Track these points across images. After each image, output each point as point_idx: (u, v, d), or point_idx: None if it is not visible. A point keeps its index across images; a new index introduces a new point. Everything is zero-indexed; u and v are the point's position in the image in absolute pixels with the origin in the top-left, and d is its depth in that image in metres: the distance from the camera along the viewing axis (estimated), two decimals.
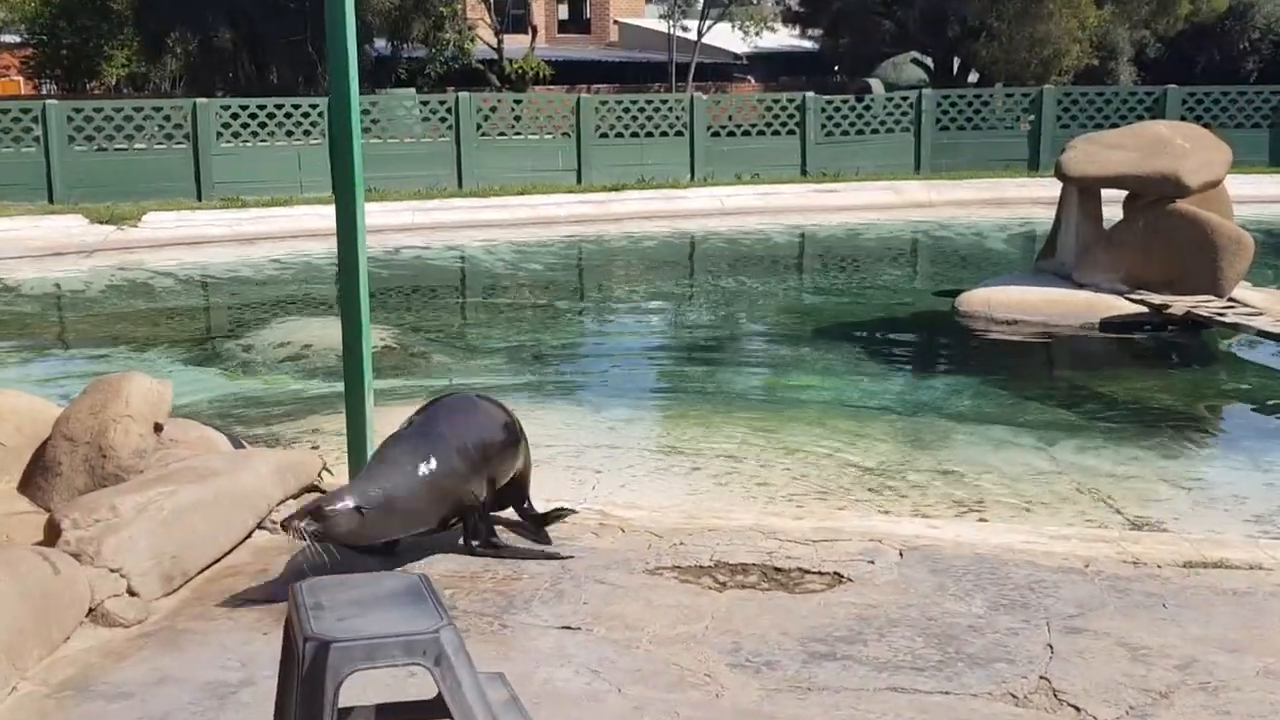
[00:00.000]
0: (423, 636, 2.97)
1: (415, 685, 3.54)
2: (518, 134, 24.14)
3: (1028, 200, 22.44)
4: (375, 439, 6.03)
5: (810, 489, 7.43)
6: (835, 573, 5.06)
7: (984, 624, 4.53)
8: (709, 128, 25.08)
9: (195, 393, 9.90)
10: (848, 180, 24.51)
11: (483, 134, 23.48)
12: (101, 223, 18.11)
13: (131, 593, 4.55)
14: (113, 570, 4.54)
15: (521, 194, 22.36)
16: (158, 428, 5.60)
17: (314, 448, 8.36)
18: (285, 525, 4.53)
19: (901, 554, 5.26)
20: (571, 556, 5.13)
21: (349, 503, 4.61)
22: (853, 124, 25.71)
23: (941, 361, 12.29)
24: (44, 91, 35.76)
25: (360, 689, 3.77)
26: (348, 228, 5.89)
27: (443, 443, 4.99)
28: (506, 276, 17.17)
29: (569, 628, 4.51)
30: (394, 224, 20.23)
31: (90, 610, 4.42)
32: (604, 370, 11.44)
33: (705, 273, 17.92)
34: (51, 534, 4.74)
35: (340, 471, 6.26)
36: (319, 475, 6.04)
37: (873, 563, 5.16)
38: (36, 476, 5.54)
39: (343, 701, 3.49)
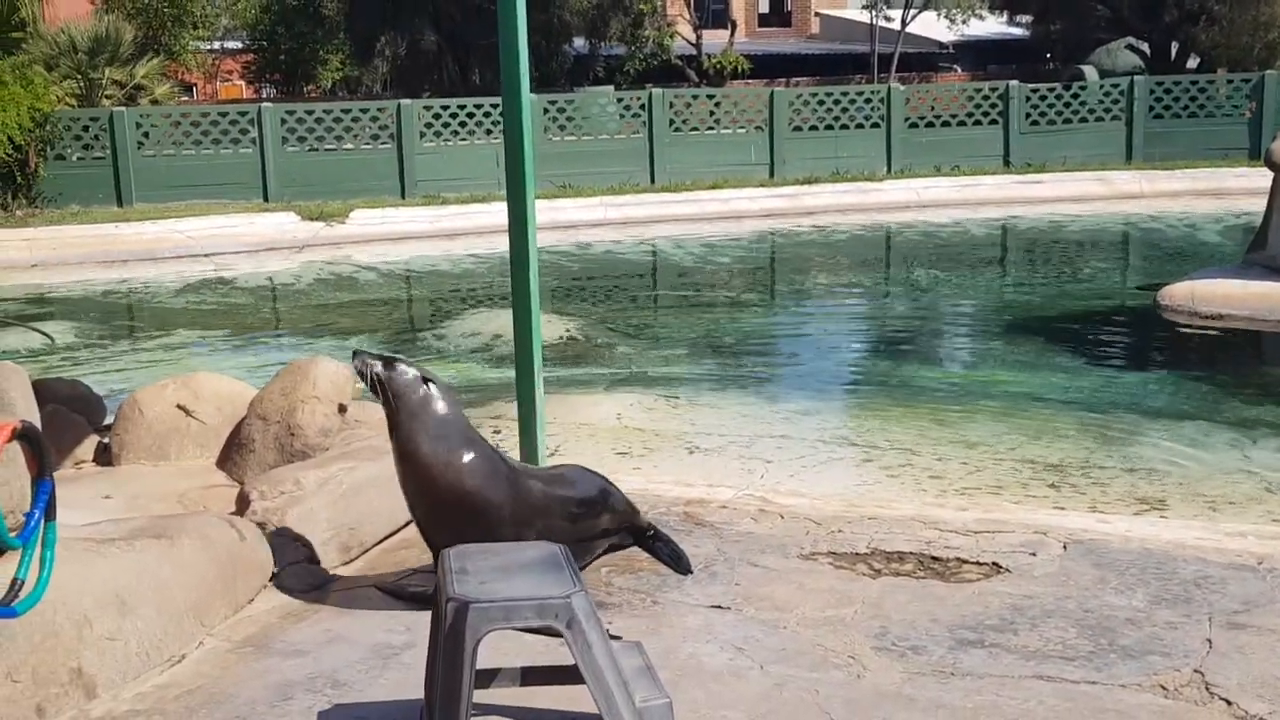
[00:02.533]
0: (555, 600, 3.11)
1: (564, 653, 3.69)
2: (710, 129, 24.29)
3: (1247, 191, 21.34)
4: (546, 425, 6.25)
5: (984, 483, 7.33)
6: (994, 563, 5.00)
7: (1142, 617, 4.42)
8: (907, 119, 24.74)
9: None
10: (1053, 171, 23.83)
11: (675, 129, 23.71)
12: (312, 219, 19.05)
13: (311, 560, 4.85)
14: (295, 539, 4.85)
15: (713, 188, 22.50)
16: (342, 409, 5.93)
17: (495, 433, 8.68)
18: (356, 353, 4.60)
19: (1065, 547, 5.16)
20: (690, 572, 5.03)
21: (418, 372, 4.54)
22: (1059, 113, 24.98)
23: (1139, 356, 11.88)
24: (264, 95, 37.71)
25: (513, 655, 3.97)
26: (519, 223, 6.09)
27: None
28: (694, 270, 17.32)
29: (718, 607, 4.60)
30: (586, 219, 20.67)
31: (273, 575, 4.73)
32: (786, 362, 11.47)
33: (898, 266, 17.73)
34: (242, 505, 5.08)
35: (513, 453, 6.46)
36: None
37: (1034, 555, 5.08)
38: (232, 452, 5.95)
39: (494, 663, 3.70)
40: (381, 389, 4.55)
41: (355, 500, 5.13)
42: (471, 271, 16.86)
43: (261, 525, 4.87)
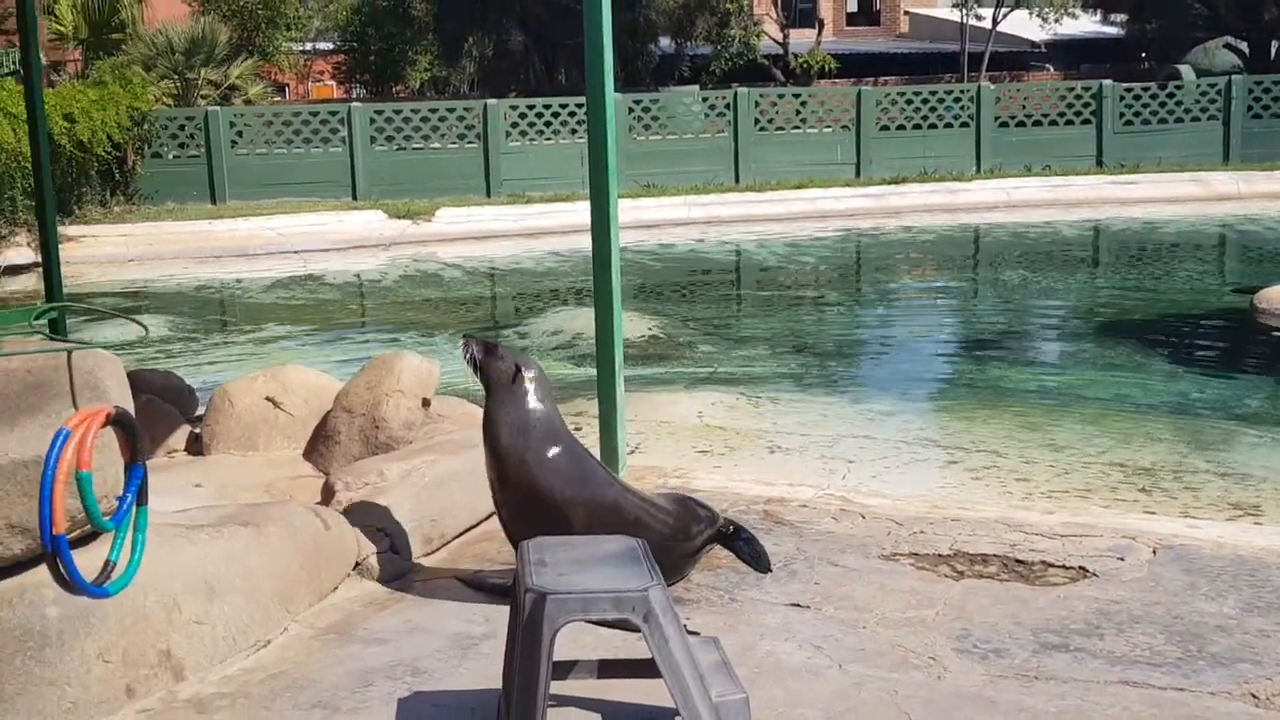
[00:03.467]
0: (632, 593, 3.11)
1: (642, 647, 3.69)
2: (796, 129, 24.17)
3: None
4: (626, 423, 6.26)
5: (1072, 487, 7.21)
6: (1080, 567, 4.91)
7: (1234, 624, 4.32)
8: (997, 118, 24.43)
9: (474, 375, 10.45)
10: (1147, 171, 23.36)
11: (760, 129, 23.63)
12: (399, 217, 19.30)
13: (394, 550, 4.90)
14: (378, 529, 4.91)
15: (798, 188, 22.40)
16: (425, 402, 6.00)
17: (576, 429, 8.70)
18: (466, 336, 4.63)
19: (1155, 552, 5.05)
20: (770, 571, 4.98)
21: (514, 361, 4.54)
22: (1154, 113, 24.50)
23: (1233, 360, 11.60)
24: (354, 95, 38.25)
25: (591, 647, 3.99)
26: (602, 223, 6.11)
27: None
28: (778, 269, 17.26)
29: (797, 605, 4.57)
30: (669, 219, 20.69)
31: (356, 564, 4.79)
32: (870, 363, 11.39)
33: (986, 267, 17.49)
34: (327, 495, 5.16)
35: (593, 450, 6.47)
36: None
37: (1122, 559, 4.98)
38: (319, 444, 6.04)
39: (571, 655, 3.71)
40: (480, 371, 4.58)
41: (437, 492, 5.18)
42: (555, 270, 16.96)
43: (346, 515, 4.93)
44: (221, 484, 5.63)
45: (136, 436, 2.80)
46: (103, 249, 17.98)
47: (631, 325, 12.54)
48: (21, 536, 3.47)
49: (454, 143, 22.03)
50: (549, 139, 22.41)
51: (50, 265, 7.78)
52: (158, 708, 3.72)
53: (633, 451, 7.99)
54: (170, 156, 20.79)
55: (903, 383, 10.41)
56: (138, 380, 6.97)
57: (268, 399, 6.31)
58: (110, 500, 3.08)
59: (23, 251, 17.51)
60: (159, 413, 6.54)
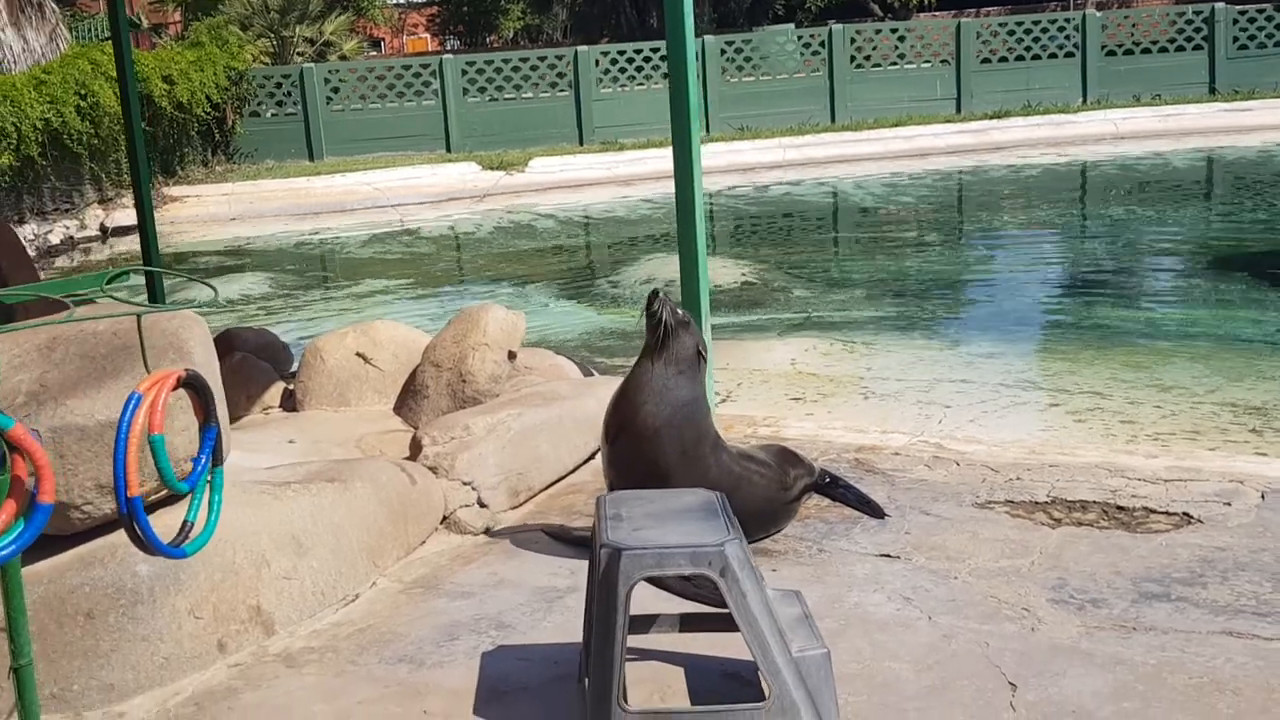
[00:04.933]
0: (709, 548, 3.06)
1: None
2: (893, 64, 23.67)
3: None
4: (715, 370, 6.19)
5: (1179, 428, 6.97)
6: (1184, 513, 4.74)
7: None
8: (1103, 46, 23.66)
9: (566, 325, 10.47)
10: (1264, 98, 22.46)
11: (857, 66, 23.19)
12: (492, 169, 19.34)
13: (480, 504, 4.91)
14: (464, 483, 4.92)
15: (895, 126, 21.96)
16: (511, 355, 5.99)
17: None
18: (656, 293, 4.50)
19: (1264, 496, 4.85)
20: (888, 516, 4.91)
21: (697, 343, 4.46)
22: (1270, 35, 23.52)
23: None
24: (448, 47, 38.33)
25: (676, 602, 3.95)
26: (684, 169, 6.03)
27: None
28: (875, 210, 16.96)
29: (887, 555, 4.48)
30: (764, 161, 20.44)
31: (444, 518, 4.81)
32: (969, 304, 11.14)
33: (1092, 201, 17.01)
34: (414, 449, 5.18)
35: None
36: None
37: (1229, 504, 4.80)
38: (408, 398, 6.07)
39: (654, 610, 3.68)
40: (663, 335, 4.45)
41: (524, 445, 5.17)
42: (648, 217, 16.87)
43: (433, 469, 4.95)
44: (314, 439, 5.68)
45: (209, 399, 2.81)
46: (205, 208, 18.32)
47: (725, 271, 12.44)
48: (111, 497, 3.53)
49: (546, 92, 21.97)
50: (640, 85, 22.24)
51: (145, 227, 7.93)
52: (249, 662, 3.78)
53: (724, 400, 7.94)
54: (268, 115, 21.06)
55: (1003, 324, 10.16)
56: (233, 338, 7.10)
57: (358, 354, 6.36)
58: (185, 463, 3.10)
59: (130, 213, 17.87)
60: (253, 370, 6.64)
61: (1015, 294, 11.53)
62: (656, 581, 4.13)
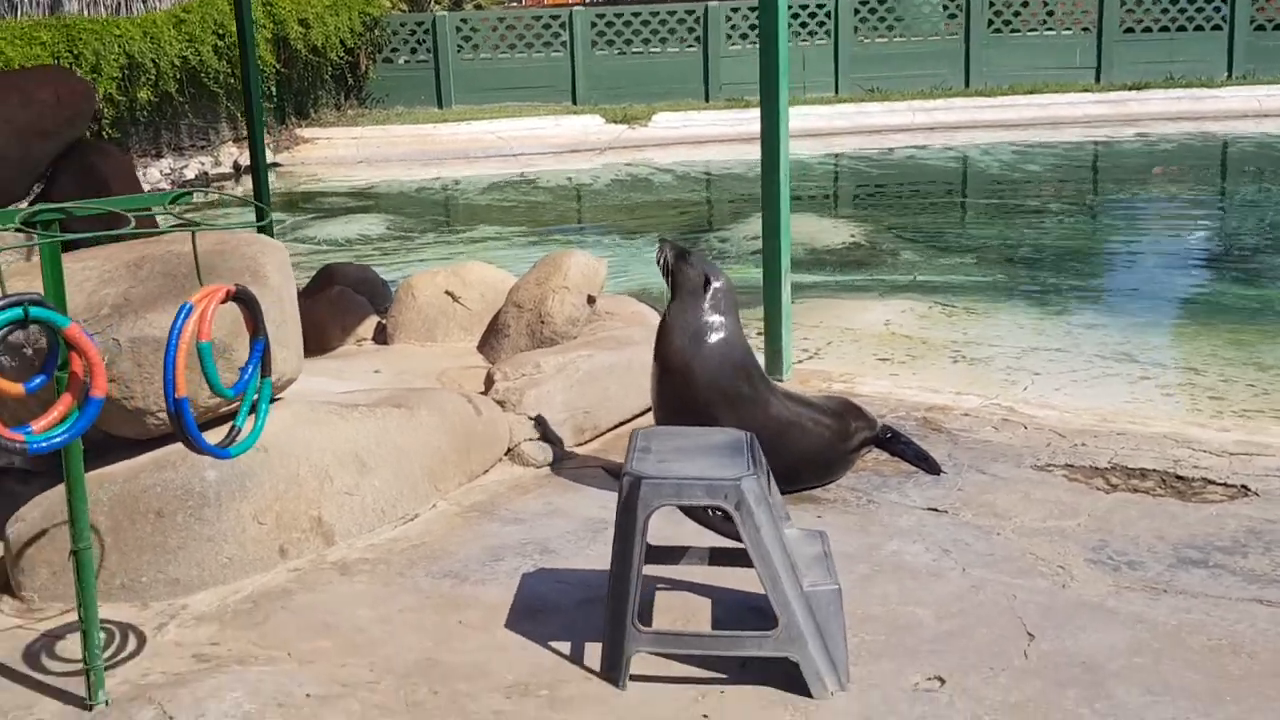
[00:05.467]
0: (725, 482, 3.19)
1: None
2: (1032, 30, 23.09)
3: None
4: (793, 329, 6.28)
5: (1269, 407, 6.85)
6: (1243, 486, 4.71)
7: None
8: (1252, 20, 22.75)
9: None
10: None
11: (995, 30, 22.70)
12: (615, 122, 19.48)
13: (544, 439, 5.09)
14: (530, 418, 5.11)
15: (1031, 93, 21.48)
16: (591, 299, 6.14)
17: (759, 334, 8.74)
18: (661, 240, 4.70)
19: None
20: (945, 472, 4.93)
21: (703, 270, 4.58)
22: None
23: None
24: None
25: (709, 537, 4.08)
26: (770, 127, 6.12)
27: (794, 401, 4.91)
28: (1000, 178, 16.69)
29: (935, 510, 4.55)
30: (892, 124, 20.21)
31: (509, 450, 5.01)
32: (1080, 275, 10.93)
33: (1223, 179, 16.47)
34: (488, 385, 5.39)
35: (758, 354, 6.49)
36: None
37: None
38: (490, 337, 6.28)
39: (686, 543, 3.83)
40: (669, 275, 4.65)
41: (591, 386, 5.34)
42: None
43: (501, 404, 5.15)
44: (398, 371, 5.93)
45: (258, 313, 3.02)
46: (335, 150, 18.83)
47: (835, 232, 12.44)
48: None
49: (674, 47, 21.98)
50: None
51: (256, 168, 8.25)
52: (306, 568, 4.02)
53: (812, 356, 8.01)
54: (401, 61, 21.48)
55: (1111, 296, 10.01)
56: (335, 272, 7.39)
57: (447, 293, 6.59)
58: (233, 372, 3.33)
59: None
60: (350, 303, 6.92)
61: (1128, 267, 11.32)
62: (699, 519, 4.28)
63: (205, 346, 2.80)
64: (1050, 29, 23.08)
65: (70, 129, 5.69)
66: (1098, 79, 22.57)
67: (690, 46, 21.88)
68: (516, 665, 3.39)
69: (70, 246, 4.45)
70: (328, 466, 4.18)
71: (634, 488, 3.22)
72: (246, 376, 2.98)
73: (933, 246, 12.11)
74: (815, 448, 4.72)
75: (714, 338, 4.54)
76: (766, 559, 3.19)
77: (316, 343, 6.85)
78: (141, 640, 3.53)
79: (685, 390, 4.50)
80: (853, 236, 12.17)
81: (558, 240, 12.84)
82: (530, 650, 3.48)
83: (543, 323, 6.00)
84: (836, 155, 18.21)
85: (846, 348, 8.15)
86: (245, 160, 18.13)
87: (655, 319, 6.68)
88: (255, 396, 3.07)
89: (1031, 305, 9.59)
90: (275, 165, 18.54)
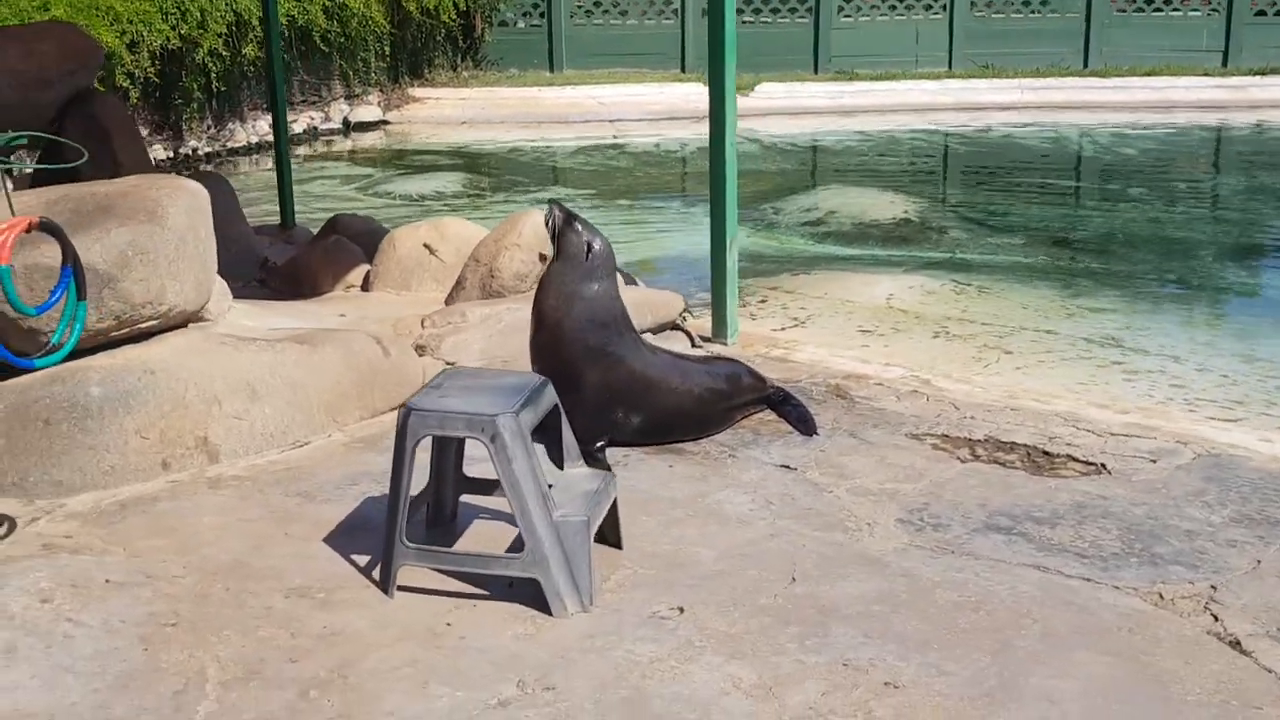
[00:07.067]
0: (483, 416, 3.54)
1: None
2: (1157, 10, 22.45)
3: None
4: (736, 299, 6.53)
5: (1228, 398, 6.86)
6: (1101, 464, 4.85)
7: (1206, 532, 4.20)
8: None
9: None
10: None
11: (1119, 10, 22.15)
12: None
13: None
14: (447, 364, 5.51)
15: (1148, 75, 20.93)
16: (543, 257, 6.50)
17: (761, 302, 8.99)
18: (552, 202, 4.98)
19: (1195, 458, 4.89)
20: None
21: (587, 236, 4.84)
22: None
23: None
24: None
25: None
26: (718, 98, 6.36)
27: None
28: (1088, 160, 16.44)
29: (786, 467, 4.80)
30: (998, 101, 19.95)
31: None
32: (1122, 260, 10.81)
33: None
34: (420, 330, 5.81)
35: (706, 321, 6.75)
36: (681, 316, 6.64)
37: (1155, 461, 4.86)
38: (455, 289, 6.70)
39: None
40: (554, 237, 5.01)
41: (513, 337, 5.70)
42: (851, 149, 16.90)
43: (421, 348, 5.57)
44: (360, 316, 6.39)
45: (66, 243, 3.47)
46: (441, 110, 19.48)
47: (890, 207, 12.51)
48: (68, 328, 4.29)
49: (785, 17, 22.02)
50: (884, 15, 21.95)
51: (278, 134, 8.78)
52: (184, 480, 4.51)
53: (797, 325, 8.24)
54: (515, 25, 22.02)
55: (1139, 283, 9.90)
56: (338, 223, 7.91)
57: (425, 245, 7.02)
58: (41, 294, 3.80)
59: (372, 110, 19.28)
60: (343, 253, 7.42)
61: (1176, 256, 11.12)
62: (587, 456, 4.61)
63: (4, 270, 3.27)
64: (1177, 9, 22.40)
65: (72, 79, 6.26)
66: (1224, 62, 21.85)
67: (801, 18, 21.89)
68: (311, 572, 3.81)
69: (41, 181, 5.03)
70: (217, 392, 4.66)
71: (405, 418, 3.60)
72: (54, 298, 3.44)
73: (986, 225, 12.09)
74: (683, 405, 5.02)
75: (586, 297, 4.86)
76: (516, 489, 3.54)
77: (311, 287, 7.40)
78: (11, 528, 4.05)
79: (555, 346, 4.84)
80: (905, 212, 12.23)
81: (620, 205, 13.20)
82: (332, 561, 3.89)
83: (493, 277, 6.39)
84: (931, 131, 18.11)
85: (834, 319, 8.35)
86: (355, 117, 18.93)
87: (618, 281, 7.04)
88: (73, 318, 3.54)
89: (1051, 287, 9.59)
90: (384, 123, 19.31)
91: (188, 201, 4.71)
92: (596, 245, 4.93)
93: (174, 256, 4.52)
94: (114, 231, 4.37)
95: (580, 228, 4.96)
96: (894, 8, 21.98)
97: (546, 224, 5.00)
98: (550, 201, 5.10)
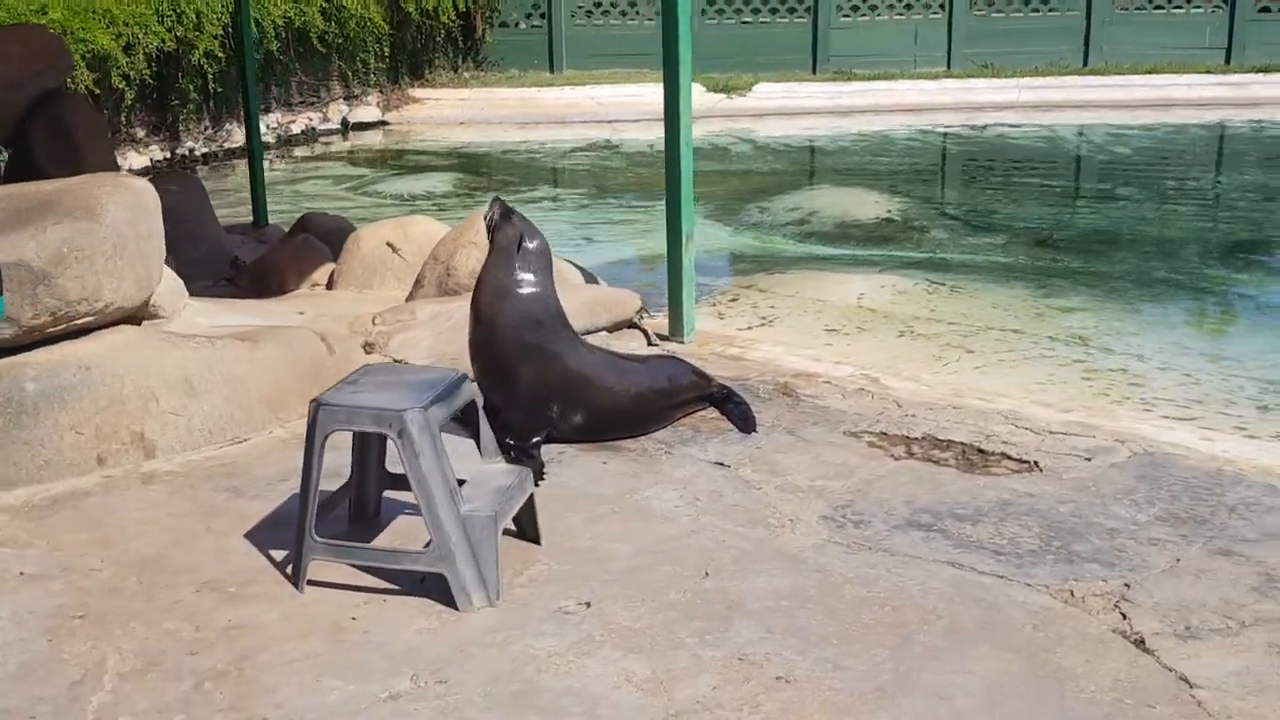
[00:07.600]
0: (390, 412, 3.58)
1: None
2: (1159, 7, 22.37)
3: None
4: (693, 294, 6.57)
5: (1187, 397, 6.85)
6: (1034, 462, 4.87)
7: (1129, 530, 4.22)
8: None
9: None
10: None
11: (1119, 7, 22.09)
12: (715, 91, 19.70)
13: None
14: (395, 360, 5.56)
15: (1148, 73, 20.87)
16: None
17: (733, 300, 9.01)
18: (495, 199, 5.00)
19: (1130, 456, 4.91)
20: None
21: (520, 232, 4.88)
22: None
23: None
24: None
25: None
26: (673, 99, 6.40)
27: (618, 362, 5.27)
28: (1082, 160, 16.42)
29: (719, 464, 4.84)
30: (996, 101, 19.93)
31: None
32: (1100, 261, 10.76)
33: None
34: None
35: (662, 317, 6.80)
36: (638, 315, 6.67)
37: (1088, 460, 4.88)
38: (415, 287, 6.75)
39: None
40: (490, 232, 5.07)
41: (461, 334, 5.69)
42: (846, 149, 16.90)
43: (369, 345, 5.62)
44: (318, 314, 6.45)
45: None
46: (440, 111, 19.56)
47: (873, 206, 12.51)
48: (8, 325, 4.36)
49: (784, 17, 22.02)
50: (881, 15, 21.95)
51: (251, 132, 8.85)
52: (119, 476, 4.57)
53: (764, 324, 8.27)
54: (516, 26, 22.08)
55: (1113, 282, 9.86)
56: (308, 221, 7.96)
57: (388, 244, 7.08)
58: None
59: (371, 110, 19.36)
60: (310, 251, 7.48)
61: (1159, 255, 11.07)
62: (506, 451, 4.66)
63: None
64: (1179, 7, 22.32)
65: (40, 80, 6.35)
66: (1228, 60, 21.78)
67: (800, 18, 21.90)
68: (226, 566, 3.86)
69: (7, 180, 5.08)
70: (154, 389, 4.71)
71: (315, 412, 3.65)
72: None
73: (969, 225, 12.09)
74: (620, 403, 5.05)
75: (520, 294, 4.90)
76: (423, 483, 3.58)
77: (277, 286, 7.46)
78: None
79: (489, 342, 4.89)
80: (889, 212, 12.23)
81: (607, 204, 13.23)
82: (250, 556, 3.95)
83: (449, 275, 6.44)
84: (926, 131, 18.11)
85: (800, 318, 8.36)
86: (354, 118, 19.01)
87: (576, 277, 7.09)
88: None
89: (1025, 287, 9.57)
90: (383, 124, 19.40)
91: (129, 199, 4.77)
92: (531, 241, 4.97)
93: (111, 254, 4.58)
94: (50, 229, 4.43)
95: (516, 222, 5.00)
96: (893, 7, 21.97)
97: (485, 219, 5.04)
98: (494, 198, 5.15)
